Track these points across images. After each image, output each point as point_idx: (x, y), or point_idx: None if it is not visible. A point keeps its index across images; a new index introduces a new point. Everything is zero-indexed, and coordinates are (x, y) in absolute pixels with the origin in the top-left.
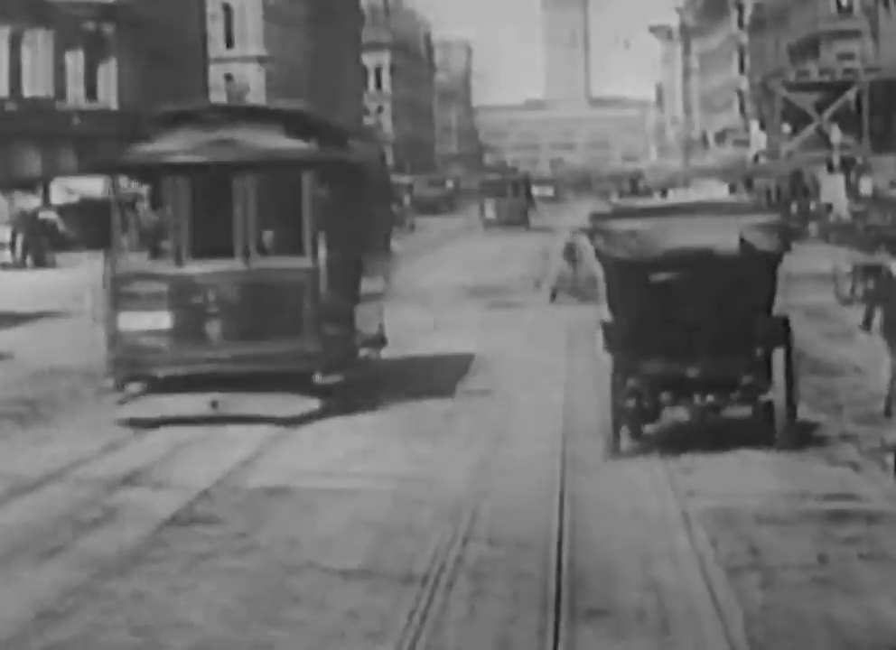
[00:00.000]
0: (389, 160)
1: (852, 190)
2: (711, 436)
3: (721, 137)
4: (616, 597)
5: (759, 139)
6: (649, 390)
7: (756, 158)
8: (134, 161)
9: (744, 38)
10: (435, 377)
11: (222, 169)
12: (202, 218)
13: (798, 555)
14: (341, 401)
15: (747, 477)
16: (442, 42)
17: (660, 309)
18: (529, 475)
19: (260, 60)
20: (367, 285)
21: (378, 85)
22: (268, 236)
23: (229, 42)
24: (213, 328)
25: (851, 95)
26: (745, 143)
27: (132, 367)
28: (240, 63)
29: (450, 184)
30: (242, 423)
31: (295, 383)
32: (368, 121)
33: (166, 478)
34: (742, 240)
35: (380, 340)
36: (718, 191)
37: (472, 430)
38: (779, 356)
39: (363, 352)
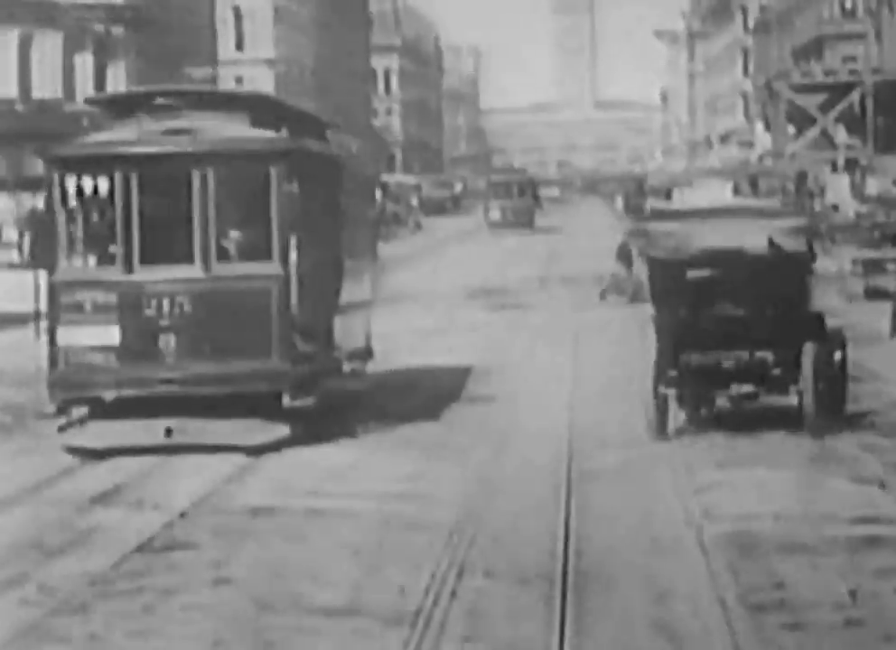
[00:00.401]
0: (398, 161)
1: (857, 191)
2: (747, 424)
3: (725, 139)
4: (627, 642)
5: (763, 140)
6: (691, 379)
7: (761, 159)
8: (76, 153)
9: (748, 41)
10: (427, 394)
11: (178, 161)
12: (156, 217)
13: (827, 590)
14: (315, 426)
15: (766, 495)
16: (450, 46)
17: (696, 304)
18: (531, 496)
19: (270, 62)
20: (350, 293)
21: (387, 87)
22: (231, 238)
23: (240, 45)
24: (168, 344)
25: (855, 96)
26: (749, 144)
27: (75, 389)
28: (250, 66)
29: (457, 185)
30: (201, 453)
31: (262, 406)
32: (376, 122)
33: (143, 496)
34: (770, 241)
35: (367, 353)
36: (722, 192)
37: (466, 453)
38: (808, 349)
39: (347, 367)
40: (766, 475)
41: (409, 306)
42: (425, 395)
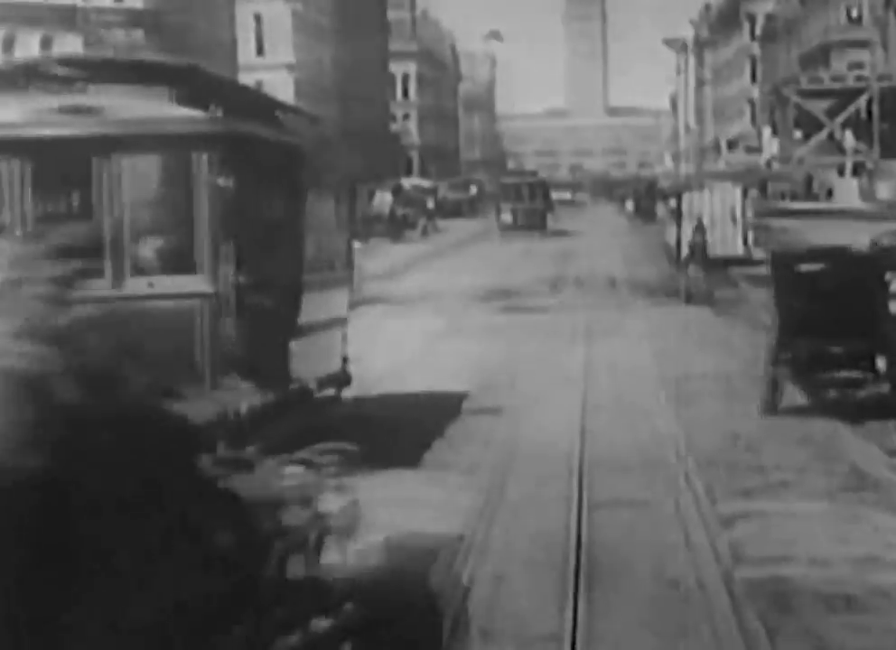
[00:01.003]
0: (415, 164)
1: (865, 194)
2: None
3: (733, 144)
4: None
5: (770, 145)
6: (801, 363)
7: (769, 163)
8: None
9: (756, 49)
10: (414, 429)
11: (78, 148)
12: (51, 220)
13: None
14: None
15: (800, 533)
16: (467, 53)
17: (808, 294)
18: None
19: (289, 67)
20: (318, 310)
21: (405, 93)
22: (150, 246)
23: (260, 50)
24: None
25: (862, 101)
26: (757, 149)
27: None
28: (270, 70)
29: (473, 188)
30: None
31: None
32: (394, 127)
33: None
34: (873, 242)
35: (342, 379)
36: (731, 195)
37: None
38: None
39: (318, 395)
40: (798, 507)
41: (398, 309)
42: (411, 430)
